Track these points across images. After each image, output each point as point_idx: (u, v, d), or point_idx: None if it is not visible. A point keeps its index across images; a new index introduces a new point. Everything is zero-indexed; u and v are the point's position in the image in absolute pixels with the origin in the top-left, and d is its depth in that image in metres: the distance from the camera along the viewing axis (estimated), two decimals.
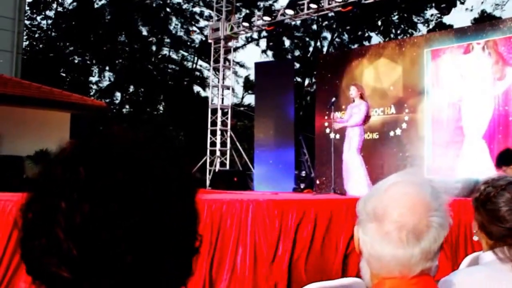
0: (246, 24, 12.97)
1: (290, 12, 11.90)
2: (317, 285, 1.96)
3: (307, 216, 5.63)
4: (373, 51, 11.56)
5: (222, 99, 14.42)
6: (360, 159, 8.37)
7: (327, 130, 11.94)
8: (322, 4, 11.35)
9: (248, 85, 25.41)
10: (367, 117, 8.42)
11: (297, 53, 25.11)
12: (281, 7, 12.54)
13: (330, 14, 19.53)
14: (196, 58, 26.61)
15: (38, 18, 25.49)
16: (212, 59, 14.54)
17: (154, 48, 26.59)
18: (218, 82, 14.44)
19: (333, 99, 8.46)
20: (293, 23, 13.28)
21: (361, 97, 8.52)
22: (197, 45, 26.00)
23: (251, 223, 5.10)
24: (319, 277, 5.65)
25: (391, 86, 10.92)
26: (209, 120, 14.30)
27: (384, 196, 1.23)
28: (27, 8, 21.73)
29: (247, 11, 18.71)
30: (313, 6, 11.38)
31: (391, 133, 10.72)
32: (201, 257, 4.61)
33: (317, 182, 12.14)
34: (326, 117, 11.93)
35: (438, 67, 10.29)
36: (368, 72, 11.36)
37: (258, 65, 13.78)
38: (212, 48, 14.45)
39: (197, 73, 26.57)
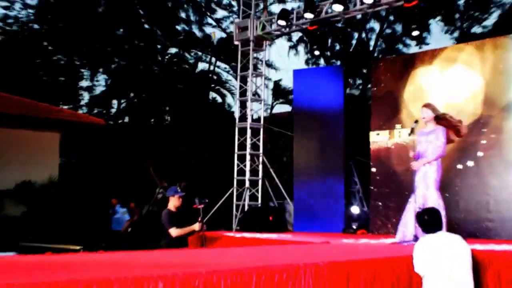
0: (282, 22, 13.12)
1: (338, 8, 12.05)
2: None
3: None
4: (444, 55, 11.60)
5: (252, 116, 14.60)
6: (439, 199, 8.39)
7: (384, 152, 12.02)
8: None
9: (278, 92, 25.53)
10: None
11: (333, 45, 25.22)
12: (325, 2, 12.64)
13: None
14: (213, 58, 26.85)
15: (17, 6, 25.71)
16: (239, 65, 14.75)
17: (159, 46, 26.86)
18: (246, 94, 14.61)
19: (414, 124, 8.44)
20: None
21: (436, 120, 8.56)
22: (214, 42, 26.25)
23: None
24: None
25: (467, 101, 10.94)
26: (236, 143, 14.47)
27: None
28: None
29: (283, 6, 18.79)
30: (368, 0, 11.51)
31: (469, 163, 10.73)
32: None
33: (374, 221, 12.18)
34: (386, 136, 12.02)
35: None
36: (437, 81, 11.42)
37: (298, 73, 13.90)
38: (239, 52, 14.68)
39: (215, 77, 26.78)
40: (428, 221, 5.69)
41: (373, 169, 12.33)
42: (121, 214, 15.43)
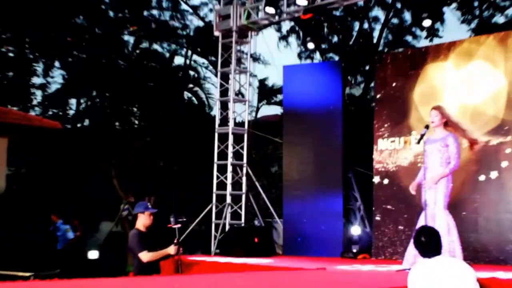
0: (271, 10, 13.12)
1: None
2: None
3: None
4: (461, 48, 11.62)
5: (234, 119, 14.65)
6: (449, 217, 8.46)
7: (392, 163, 12.04)
8: None
9: (265, 91, 25.49)
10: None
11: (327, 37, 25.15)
12: None
13: None
14: (188, 51, 26.80)
15: None
16: (219, 60, 14.77)
17: (125, 36, 26.80)
18: (228, 93, 14.60)
19: (424, 130, 8.47)
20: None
21: (446, 125, 8.60)
22: (190, 32, 26.21)
23: None
24: None
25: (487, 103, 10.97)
26: (216, 151, 14.43)
27: None
28: None
29: None
30: None
31: (492, 174, 10.73)
32: None
33: (377, 244, 12.18)
34: (392, 144, 12.04)
35: None
36: (452, 80, 11.45)
37: (288, 70, 13.89)
38: (220, 44, 14.69)
39: (192, 72, 26.75)
40: (425, 243, 5.55)
41: (377, 182, 12.35)
42: (64, 231, 15.41)
